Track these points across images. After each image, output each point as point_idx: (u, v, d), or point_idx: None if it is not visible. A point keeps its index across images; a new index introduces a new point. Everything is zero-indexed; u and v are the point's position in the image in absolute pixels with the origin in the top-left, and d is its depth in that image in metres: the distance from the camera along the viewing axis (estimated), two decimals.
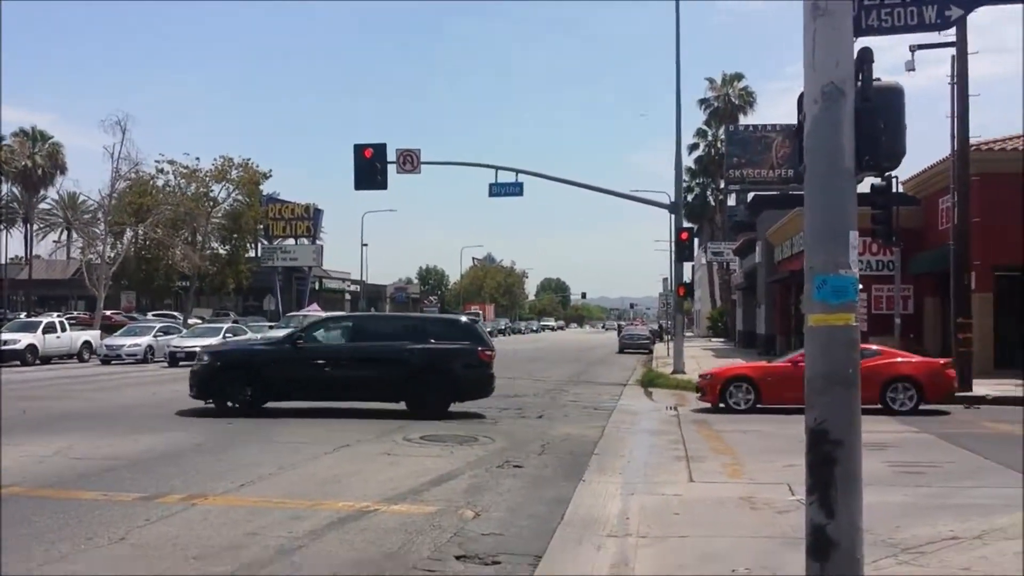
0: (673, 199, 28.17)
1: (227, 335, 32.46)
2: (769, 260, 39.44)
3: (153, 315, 49.86)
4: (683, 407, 17.59)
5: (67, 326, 34.71)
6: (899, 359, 16.77)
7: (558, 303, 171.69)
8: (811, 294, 4.19)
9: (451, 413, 14.88)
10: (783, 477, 9.37)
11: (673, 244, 29.55)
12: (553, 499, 8.49)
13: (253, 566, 6.16)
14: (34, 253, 66.87)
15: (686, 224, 28.39)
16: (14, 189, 64.54)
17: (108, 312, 46.82)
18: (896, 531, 6.70)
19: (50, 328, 32.93)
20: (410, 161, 24.29)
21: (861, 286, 4.42)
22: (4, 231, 64.63)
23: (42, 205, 67.95)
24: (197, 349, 30.33)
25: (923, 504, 8.09)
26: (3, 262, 61.25)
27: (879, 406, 15.73)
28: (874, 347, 17.76)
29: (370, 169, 23.57)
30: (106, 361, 32.06)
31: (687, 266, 34.62)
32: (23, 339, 31.11)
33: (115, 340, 33.56)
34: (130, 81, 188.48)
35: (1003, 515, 7.30)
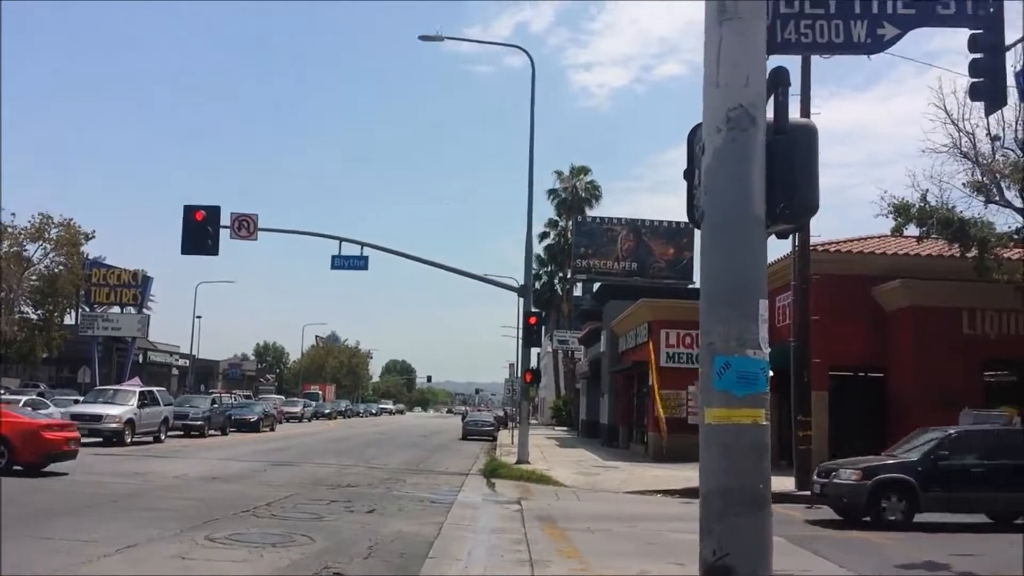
0: (522, 282, 27.68)
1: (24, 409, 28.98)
2: (613, 350, 39.53)
3: None
4: (527, 500, 16.52)
5: None
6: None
7: (403, 385, 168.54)
8: (710, 380, 3.15)
9: None
10: None
11: (521, 329, 28.91)
12: None
13: None
14: None
15: (534, 309, 27.82)
16: None
17: None
18: None
19: None
20: (246, 227, 22.58)
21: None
22: None
23: None
24: None
25: None
26: None
27: None
28: None
29: (201, 233, 21.63)
30: None
31: (533, 352, 34.08)
32: None
33: None
34: None
35: None
